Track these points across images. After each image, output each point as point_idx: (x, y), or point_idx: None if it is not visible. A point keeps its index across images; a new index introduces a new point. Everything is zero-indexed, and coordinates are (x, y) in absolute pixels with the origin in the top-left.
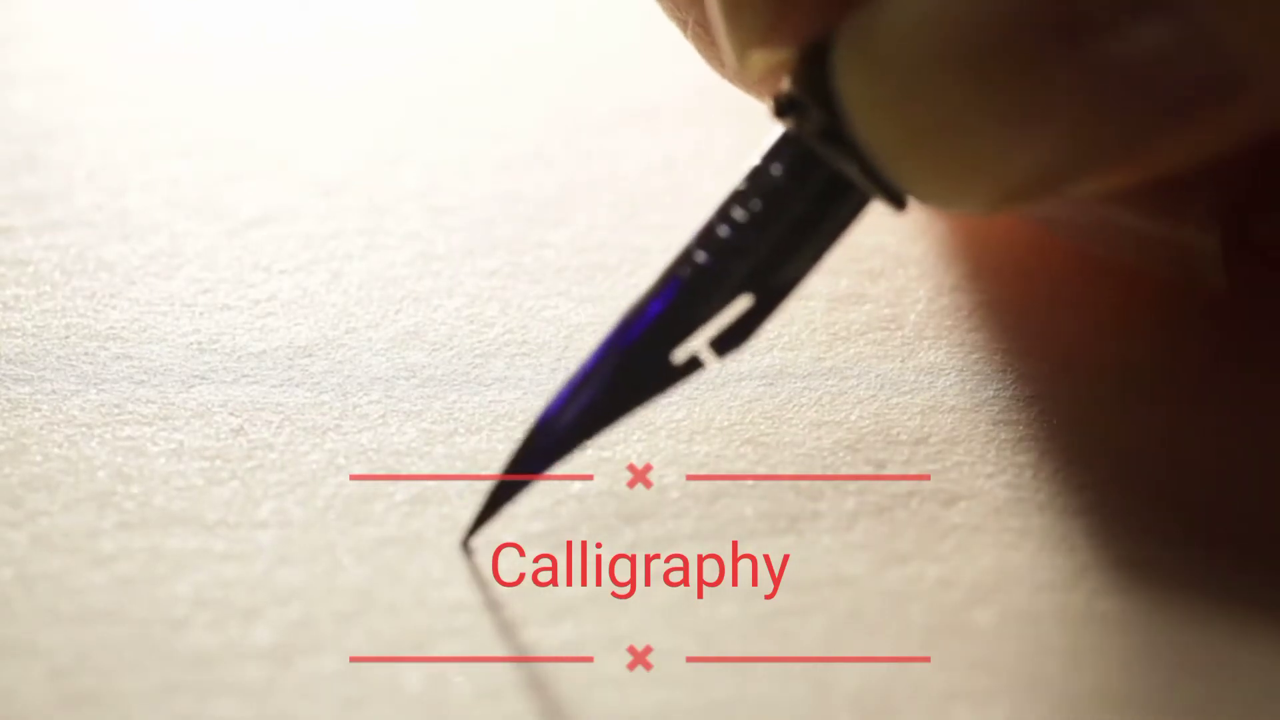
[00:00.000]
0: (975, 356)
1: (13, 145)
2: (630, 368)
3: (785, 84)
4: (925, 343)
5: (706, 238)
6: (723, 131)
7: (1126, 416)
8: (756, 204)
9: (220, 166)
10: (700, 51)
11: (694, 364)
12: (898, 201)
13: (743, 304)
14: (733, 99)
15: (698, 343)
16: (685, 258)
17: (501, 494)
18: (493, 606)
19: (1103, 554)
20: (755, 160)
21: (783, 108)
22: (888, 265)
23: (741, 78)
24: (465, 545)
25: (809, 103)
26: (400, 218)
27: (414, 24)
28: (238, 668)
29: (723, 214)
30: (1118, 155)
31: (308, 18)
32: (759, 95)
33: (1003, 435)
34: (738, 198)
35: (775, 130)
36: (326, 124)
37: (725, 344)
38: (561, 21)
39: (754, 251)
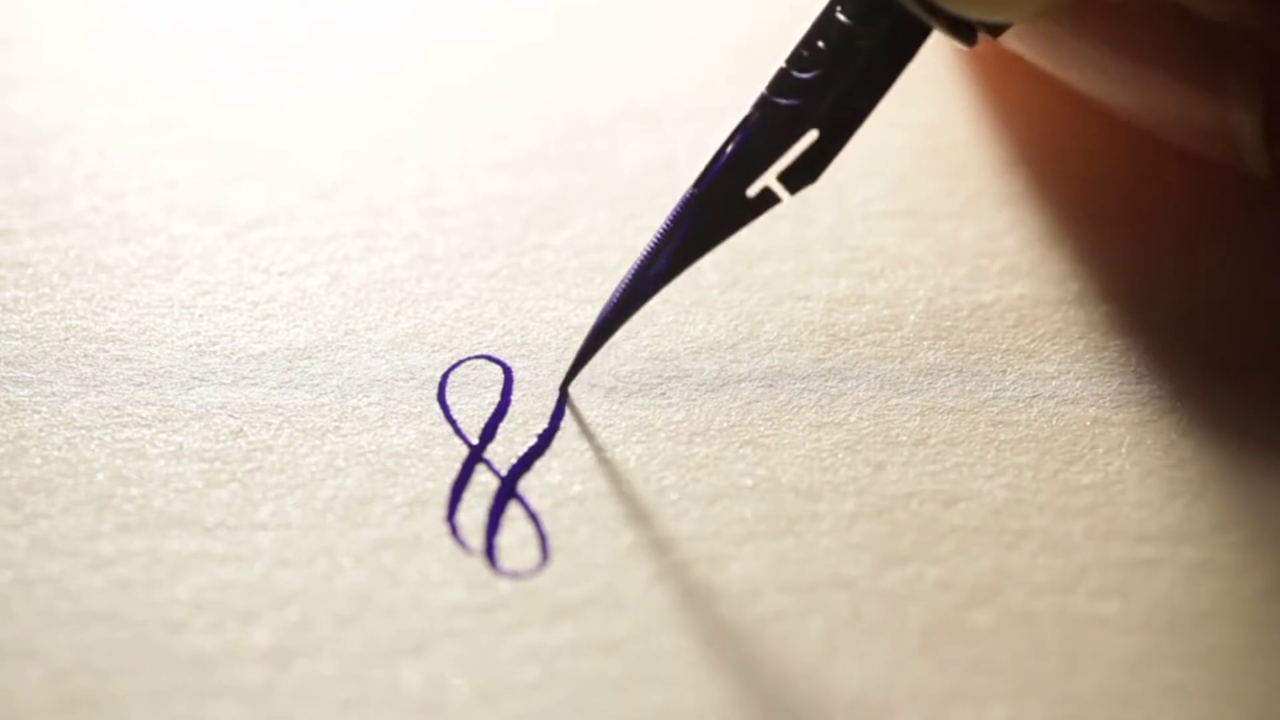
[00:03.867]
0: (975, 357)
1: (11, 147)
2: (710, 205)
3: None
4: (924, 344)
5: (778, 81)
6: (722, 132)
7: (1125, 417)
8: (823, 46)
9: (219, 168)
10: None
11: (768, 197)
12: (962, 31)
13: (810, 139)
14: (732, 100)
15: (770, 179)
16: (759, 102)
17: (601, 334)
18: (491, 608)
19: (1102, 555)
20: (822, 8)
21: None
22: (887, 266)
23: None
24: (565, 389)
25: None
26: (399, 220)
27: (413, 25)
28: (236, 670)
29: (793, 58)
30: None
31: (307, 18)
32: None
33: (1002, 436)
34: (805, 43)
35: None
36: (325, 125)
37: (796, 178)
38: (561, 21)
39: (821, 89)
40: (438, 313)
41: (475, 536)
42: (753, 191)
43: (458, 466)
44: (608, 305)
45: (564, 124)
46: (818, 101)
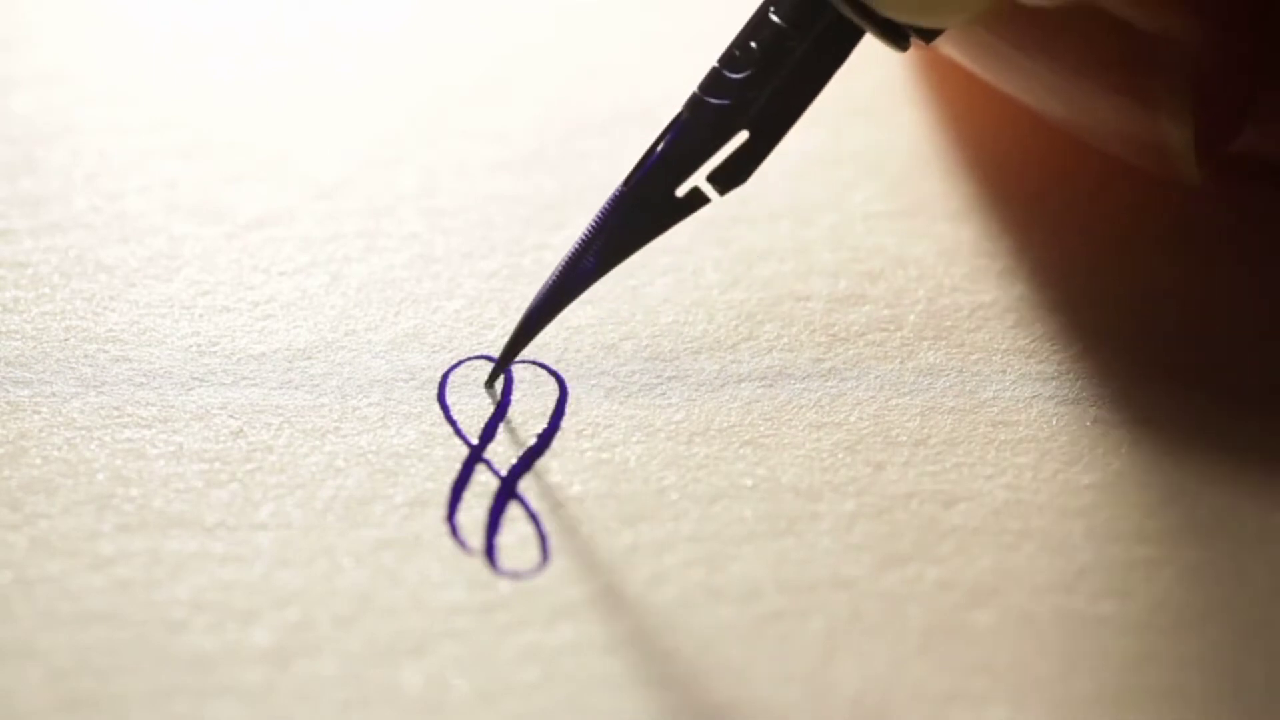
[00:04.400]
0: (975, 357)
1: (11, 147)
2: (639, 203)
3: None
4: (924, 344)
5: (710, 80)
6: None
7: (1125, 417)
8: (755, 46)
9: (219, 168)
10: None
11: (697, 197)
12: (895, 35)
13: (740, 140)
14: None
15: (700, 179)
16: (690, 102)
17: (527, 330)
18: (491, 608)
19: (1102, 555)
20: (756, 7)
21: None
22: (887, 266)
23: None
24: (490, 385)
25: None
26: (399, 220)
27: (413, 25)
28: (236, 670)
29: (725, 58)
30: None
31: (307, 18)
32: None
33: (1002, 436)
34: (738, 43)
35: None
36: (325, 126)
37: (726, 179)
38: (561, 21)
39: (752, 89)
40: (438, 313)
41: (475, 536)
42: (682, 191)
43: (458, 466)
44: (534, 301)
45: (564, 124)
46: (748, 102)
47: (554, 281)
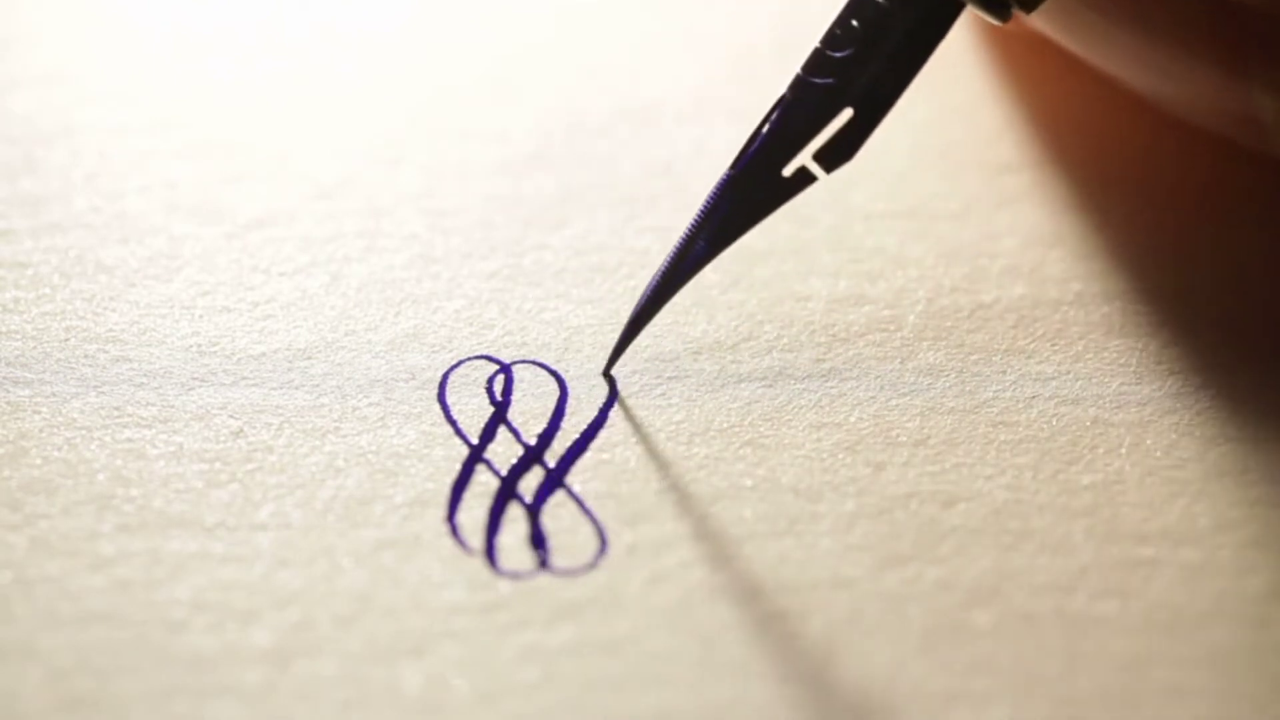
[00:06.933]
0: (975, 357)
1: (12, 148)
2: (747, 185)
3: None
4: (924, 344)
5: (813, 61)
6: (722, 131)
7: (1125, 417)
8: (856, 24)
9: (219, 169)
10: None
11: (804, 176)
12: (996, 6)
13: (845, 118)
14: (733, 99)
15: (806, 158)
16: (794, 82)
17: (642, 315)
18: (491, 609)
19: (1102, 555)
20: None
21: None
22: (887, 267)
23: None
24: (608, 373)
25: None
26: (399, 220)
27: (413, 25)
28: (236, 670)
29: (827, 38)
30: None
31: (307, 18)
32: None
33: (1002, 437)
34: (839, 21)
35: None
36: (325, 126)
37: (831, 156)
38: (561, 21)
39: (855, 67)
40: (438, 313)
41: (475, 536)
42: (789, 171)
43: (458, 466)
44: (648, 289)
45: (564, 124)
46: (852, 80)
47: (666, 268)
